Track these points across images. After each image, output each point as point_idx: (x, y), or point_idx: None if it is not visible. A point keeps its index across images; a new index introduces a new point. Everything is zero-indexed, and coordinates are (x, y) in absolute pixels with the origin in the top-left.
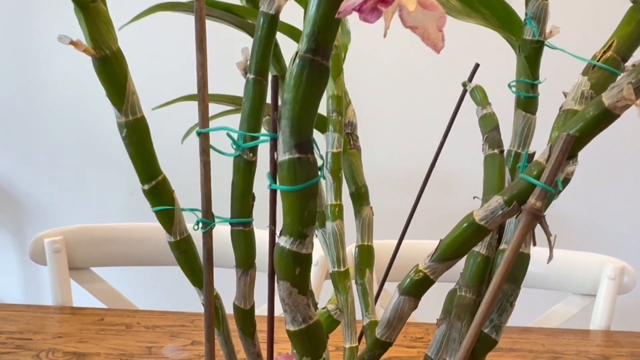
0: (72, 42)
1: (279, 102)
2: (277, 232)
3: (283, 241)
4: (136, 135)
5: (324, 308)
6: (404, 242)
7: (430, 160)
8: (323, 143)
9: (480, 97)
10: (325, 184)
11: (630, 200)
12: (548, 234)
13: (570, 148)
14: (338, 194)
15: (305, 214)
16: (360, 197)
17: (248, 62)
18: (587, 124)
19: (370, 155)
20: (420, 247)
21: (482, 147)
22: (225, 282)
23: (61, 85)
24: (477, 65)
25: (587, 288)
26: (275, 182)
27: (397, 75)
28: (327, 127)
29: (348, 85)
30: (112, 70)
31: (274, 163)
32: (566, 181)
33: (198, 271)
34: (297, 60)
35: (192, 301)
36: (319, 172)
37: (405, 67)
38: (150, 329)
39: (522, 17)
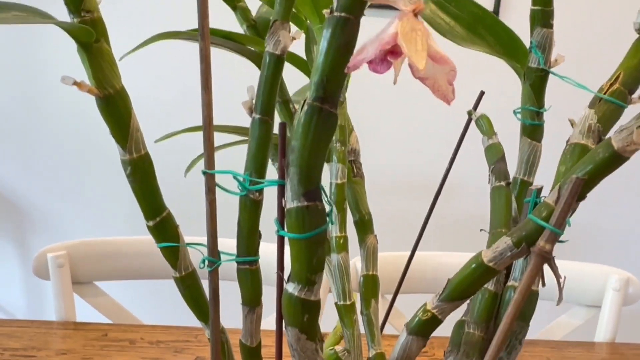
0: (75, 83)
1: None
2: (285, 278)
3: (291, 288)
4: (140, 172)
5: (331, 349)
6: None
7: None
8: (326, 173)
9: (486, 127)
10: (331, 216)
11: (635, 211)
12: (557, 277)
13: (579, 191)
14: (342, 225)
15: (313, 261)
16: (365, 226)
17: (254, 101)
18: (596, 166)
19: (372, 165)
20: (421, 259)
21: (489, 177)
22: (230, 292)
23: (64, 95)
24: (482, 93)
25: (591, 299)
26: (283, 228)
27: (401, 93)
28: (331, 157)
29: (351, 102)
30: (115, 109)
31: (281, 209)
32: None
33: (203, 305)
34: (305, 108)
35: (193, 315)
36: (327, 218)
37: (409, 87)
38: (154, 345)
39: (527, 44)
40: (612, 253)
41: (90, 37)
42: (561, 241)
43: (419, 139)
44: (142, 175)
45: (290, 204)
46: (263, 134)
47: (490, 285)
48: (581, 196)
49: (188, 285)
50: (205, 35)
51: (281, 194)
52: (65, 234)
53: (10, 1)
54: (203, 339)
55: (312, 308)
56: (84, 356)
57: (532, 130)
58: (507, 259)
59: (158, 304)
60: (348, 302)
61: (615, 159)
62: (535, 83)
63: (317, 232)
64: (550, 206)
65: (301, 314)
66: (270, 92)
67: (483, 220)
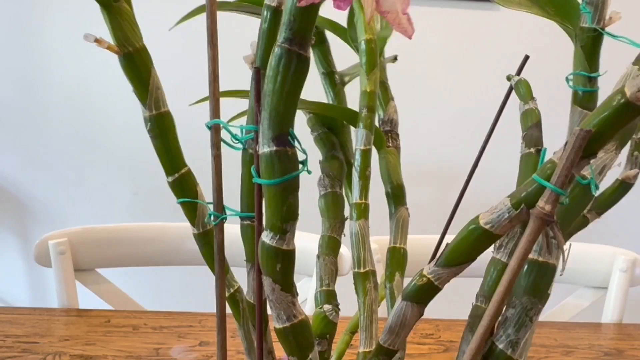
0: (96, 40)
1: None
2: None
3: (265, 236)
4: (159, 128)
5: (320, 308)
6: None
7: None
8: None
9: (524, 91)
10: (352, 182)
11: None
12: (560, 242)
13: (584, 145)
14: (364, 192)
15: (284, 208)
16: (396, 197)
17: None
18: (607, 117)
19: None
20: (430, 242)
21: (520, 145)
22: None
23: (64, 86)
24: (526, 57)
25: (598, 281)
26: (259, 176)
27: (406, 84)
28: (357, 123)
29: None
30: (135, 67)
31: (257, 156)
32: (627, 186)
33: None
34: (275, 51)
35: (198, 301)
36: (302, 166)
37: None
38: (157, 330)
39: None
40: (619, 234)
41: None
42: (562, 203)
43: (425, 129)
44: (161, 132)
45: (262, 149)
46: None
47: (504, 257)
48: (590, 152)
49: (206, 242)
50: None
51: (257, 141)
52: (66, 225)
53: None
54: (207, 324)
55: (285, 257)
56: (87, 342)
57: (584, 97)
58: (506, 222)
59: (160, 291)
60: (362, 270)
61: (627, 109)
62: (587, 45)
63: (287, 179)
64: (555, 164)
65: (274, 263)
66: (269, 45)
67: (486, 206)
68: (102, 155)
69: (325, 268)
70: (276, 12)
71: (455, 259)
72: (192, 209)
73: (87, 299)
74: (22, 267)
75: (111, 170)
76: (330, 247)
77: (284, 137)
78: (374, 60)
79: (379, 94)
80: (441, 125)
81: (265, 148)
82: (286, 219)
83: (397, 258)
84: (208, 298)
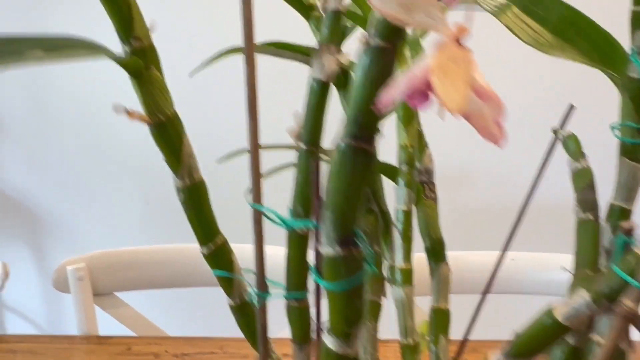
0: (126, 111)
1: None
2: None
3: (328, 340)
4: (193, 199)
5: None
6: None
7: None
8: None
9: (574, 149)
10: (394, 244)
11: None
12: None
13: None
14: (407, 256)
15: (349, 313)
16: (436, 253)
17: (300, 129)
18: None
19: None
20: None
21: (574, 209)
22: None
23: (78, 99)
24: (571, 107)
25: None
26: (320, 275)
27: None
28: (397, 180)
29: None
30: (167, 135)
31: (317, 254)
32: None
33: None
34: (340, 146)
35: (219, 322)
36: (370, 266)
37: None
38: (179, 358)
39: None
40: None
41: (139, 66)
42: None
43: (426, 130)
44: (194, 203)
45: (325, 248)
46: (309, 167)
47: (570, 338)
48: None
49: (244, 314)
50: (250, 59)
51: (316, 238)
52: (79, 236)
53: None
54: (229, 350)
55: None
56: None
57: (633, 149)
58: (585, 317)
59: (179, 312)
60: (411, 342)
61: None
62: (636, 95)
63: (353, 283)
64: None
65: None
66: (317, 121)
67: (494, 210)
68: (112, 164)
69: (368, 336)
70: (325, 86)
71: (526, 351)
72: (227, 281)
73: (106, 322)
74: (35, 278)
75: (122, 179)
76: (372, 312)
77: (349, 238)
78: (411, 112)
79: None
80: (442, 126)
81: (329, 250)
82: (351, 322)
83: (441, 319)
84: (229, 320)
